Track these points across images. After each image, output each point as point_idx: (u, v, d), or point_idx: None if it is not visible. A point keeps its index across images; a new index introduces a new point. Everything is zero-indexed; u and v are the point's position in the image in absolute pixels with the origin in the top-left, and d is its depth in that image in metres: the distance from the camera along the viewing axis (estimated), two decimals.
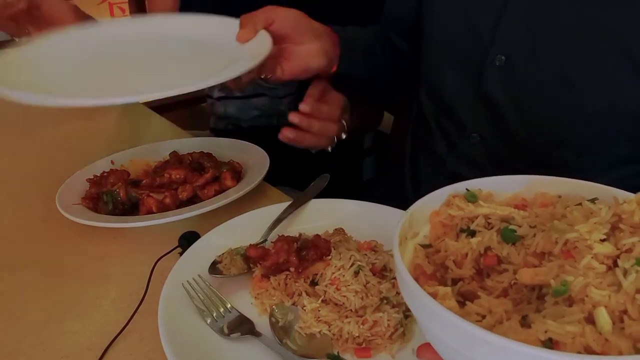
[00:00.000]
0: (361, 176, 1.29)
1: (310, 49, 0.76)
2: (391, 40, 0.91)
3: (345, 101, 0.85)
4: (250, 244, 0.63)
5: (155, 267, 0.62)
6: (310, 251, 0.59)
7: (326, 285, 0.56)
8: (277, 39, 0.73)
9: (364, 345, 0.52)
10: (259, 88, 1.14)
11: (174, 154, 0.86)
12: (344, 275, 0.56)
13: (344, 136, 0.85)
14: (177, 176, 0.77)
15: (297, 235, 0.63)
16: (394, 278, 0.57)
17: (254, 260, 0.61)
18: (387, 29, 0.91)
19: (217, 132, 1.24)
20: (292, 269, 0.59)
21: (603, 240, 0.36)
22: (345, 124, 0.85)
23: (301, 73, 0.77)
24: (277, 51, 0.74)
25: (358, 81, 0.86)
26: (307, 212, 0.72)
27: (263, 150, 0.87)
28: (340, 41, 0.81)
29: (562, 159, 0.71)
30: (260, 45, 0.71)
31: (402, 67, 0.92)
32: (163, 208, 0.74)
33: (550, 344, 0.31)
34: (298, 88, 1.11)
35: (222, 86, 1.16)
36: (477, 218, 0.42)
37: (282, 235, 0.63)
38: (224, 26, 0.76)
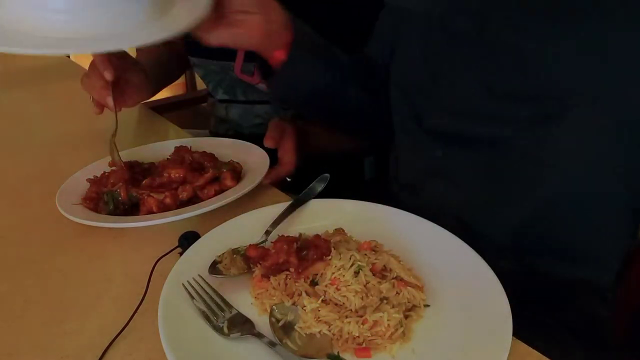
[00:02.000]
0: (362, 176, 1.28)
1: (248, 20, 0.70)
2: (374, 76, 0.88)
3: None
4: (250, 244, 0.63)
5: (155, 267, 0.62)
6: (310, 251, 0.59)
7: (326, 285, 0.56)
8: None
9: (364, 345, 0.52)
10: (264, 95, 1.12)
11: (177, 149, 0.86)
12: (344, 275, 0.56)
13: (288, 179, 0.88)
14: (177, 175, 0.77)
15: (297, 235, 0.63)
16: (394, 278, 0.57)
17: (254, 261, 0.61)
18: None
19: (217, 136, 1.23)
20: (292, 269, 0.59)
21: None
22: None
23: (228, 40, 0.71)
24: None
25: (308, 94, 0.84)
26: (307, 212, 0.72)
27: (263, 151, 0.87)
28: (294, 31, 0.75)
29: None
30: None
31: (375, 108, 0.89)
32: (163, 208, 0.74)
33: None
34: None
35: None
36: None
37: (282, 236, 0.63)
38: None
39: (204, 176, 0.77)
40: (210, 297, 0.56)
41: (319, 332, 0.53)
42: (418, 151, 0.80)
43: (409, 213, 0.69)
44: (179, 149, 0.86)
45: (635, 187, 0.67)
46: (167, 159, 0.86)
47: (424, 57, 0.77)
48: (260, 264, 0.60)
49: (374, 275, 0.57)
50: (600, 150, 0.64)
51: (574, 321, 0.70)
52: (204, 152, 0.85)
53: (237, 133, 1.20)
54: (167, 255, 0.64)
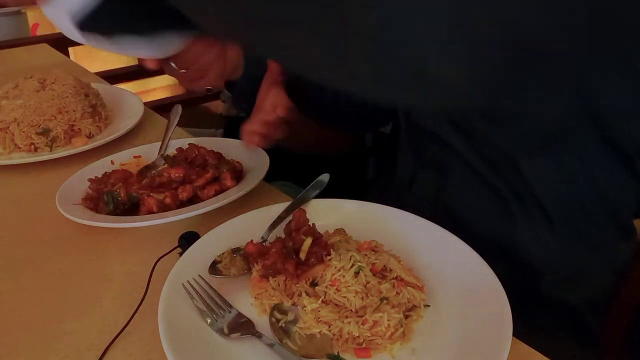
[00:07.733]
0: (364, 176, 1.28)
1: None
2: None
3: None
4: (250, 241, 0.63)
5: (155, 267, 0.62)
6: (311, 257, 0.59)
7: (326, 287, 0.56)
8: None
9: (364, 345, 0.52)
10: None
11: (180, 150, 0.86)
12: (344, 276, 0.55)
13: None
14: (177, 175, 0.77)
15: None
16: (394, 278, 0.57)
17: (252, 257, 0.61)
18: None
19: (229, 120, 1.20)
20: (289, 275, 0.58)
21: None
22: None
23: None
24: None
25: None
26: (307, 212, 0.72)
27: (263, 151, 0.86)
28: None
29: None
30: None
31: None
32: (163, 208, 0.74)
33: None
34: None
35: None
36: None
37: (280, 238, 0.63)
38: None
39: (204, 176, 0.77)
40: (210, 297, 0.56)
41: (319, 332, 0.53)
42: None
43: (409, 213, 0.69)
44: (180, 150, 0.86)
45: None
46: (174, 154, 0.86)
47: None
48: (257, 262, 0.60)
49: (374, 275, 0.57)
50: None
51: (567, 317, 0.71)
52: (213, 150, 0.84)
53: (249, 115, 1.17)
54: (167, 255, 0.64)
